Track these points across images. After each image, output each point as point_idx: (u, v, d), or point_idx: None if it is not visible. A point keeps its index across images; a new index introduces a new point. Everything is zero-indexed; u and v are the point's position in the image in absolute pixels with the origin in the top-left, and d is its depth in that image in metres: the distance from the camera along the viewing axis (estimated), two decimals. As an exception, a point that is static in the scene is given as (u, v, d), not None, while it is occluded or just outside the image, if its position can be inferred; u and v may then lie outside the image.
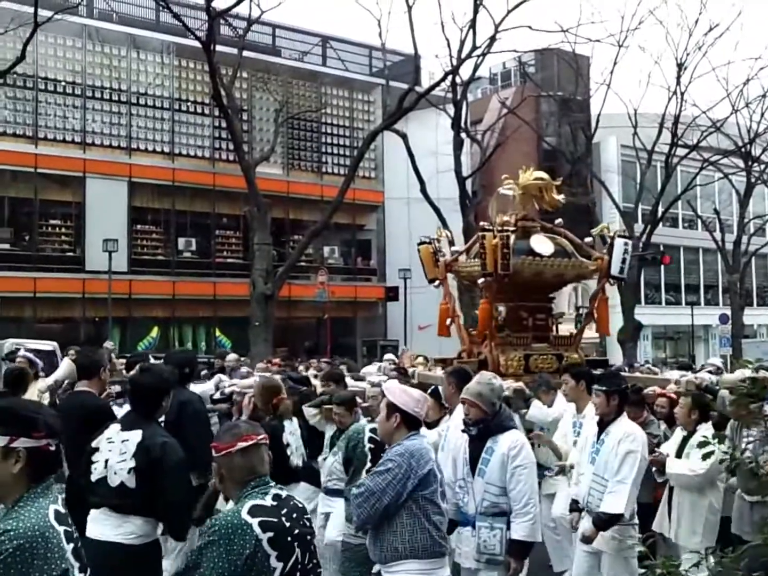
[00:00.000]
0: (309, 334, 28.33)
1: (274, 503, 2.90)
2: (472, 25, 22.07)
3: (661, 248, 30.68)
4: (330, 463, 6.05)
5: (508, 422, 4.77)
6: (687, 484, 5.61)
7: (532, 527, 4.53)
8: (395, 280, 27.64)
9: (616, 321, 28.79)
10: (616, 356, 26.23)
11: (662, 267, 34.11)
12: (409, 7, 22.04)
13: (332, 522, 5.95)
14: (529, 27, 22.18)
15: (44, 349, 12.50)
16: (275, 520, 2.84)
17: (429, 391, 6.93)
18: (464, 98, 25.07)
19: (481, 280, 8.41)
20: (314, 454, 6.84)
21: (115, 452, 4.10)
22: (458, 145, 24.49)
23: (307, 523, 3.01)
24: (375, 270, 31.41)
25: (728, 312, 30.71)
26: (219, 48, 19.38)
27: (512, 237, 8.09)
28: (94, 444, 4.21)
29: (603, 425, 5.21)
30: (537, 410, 6.91)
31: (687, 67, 26.12)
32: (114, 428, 4.23)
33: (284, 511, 2.91)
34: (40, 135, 24.59)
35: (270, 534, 2.79)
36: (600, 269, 8.72)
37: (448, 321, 9.16)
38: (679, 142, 26.66)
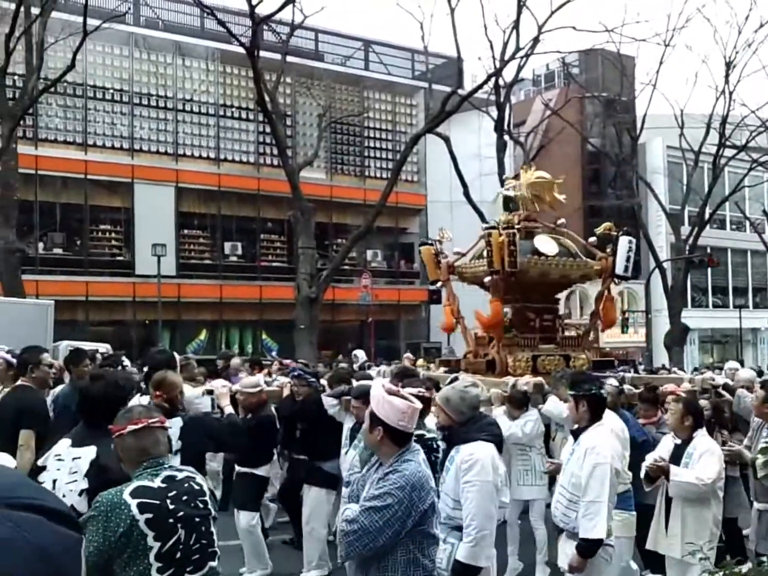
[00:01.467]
0: (353, 336, 28.49)
1: (163, 485, 2.98)
2: (516, 26, 21.97)
3: (708, 250, 30.18)
4: (351, 456, 5.70)
5: (474, 434, 4.38)
6: (693, 493, 5.13)
7: (471, 550, 4.17)
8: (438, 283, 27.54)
9: (662, 325, 28.48)
10: (662, 361, 25.88)
11: (709, 270, 33.59)
12: (452, 10, 22.00)
13: None
14: (573, 27, 22.06)
15: (100, 352, 12.80)
16: (157, 502, 2.92)
17: (448, 380, 6.97)
18: (507, 100, 24.93)
19: (487, 279, 8.41)
20: (321, 456, 6.91)
21: (64, 471, 3.60)
22: (501, 148, 24.35)
23: (201, 506, 3.03)
24: (418, 273, 31.36)
25: (778, 315, 30.14)
26: (263, 54, 19.57)
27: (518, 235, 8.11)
28: (40, 462, 3.76)
29: (576, 434, 4.80)
30: (552, 405, 6.76)
31: (736, 65, 25.63)
32: (64, 444, 3.73)
33: (172, 493, 2.97)
34: (90, 142, 25.11)
35: (148, 515, 2.88)
36: (604, 269, 8.69)
37: (453, 321, 9.25)
38: (727, 143, 26.18)
